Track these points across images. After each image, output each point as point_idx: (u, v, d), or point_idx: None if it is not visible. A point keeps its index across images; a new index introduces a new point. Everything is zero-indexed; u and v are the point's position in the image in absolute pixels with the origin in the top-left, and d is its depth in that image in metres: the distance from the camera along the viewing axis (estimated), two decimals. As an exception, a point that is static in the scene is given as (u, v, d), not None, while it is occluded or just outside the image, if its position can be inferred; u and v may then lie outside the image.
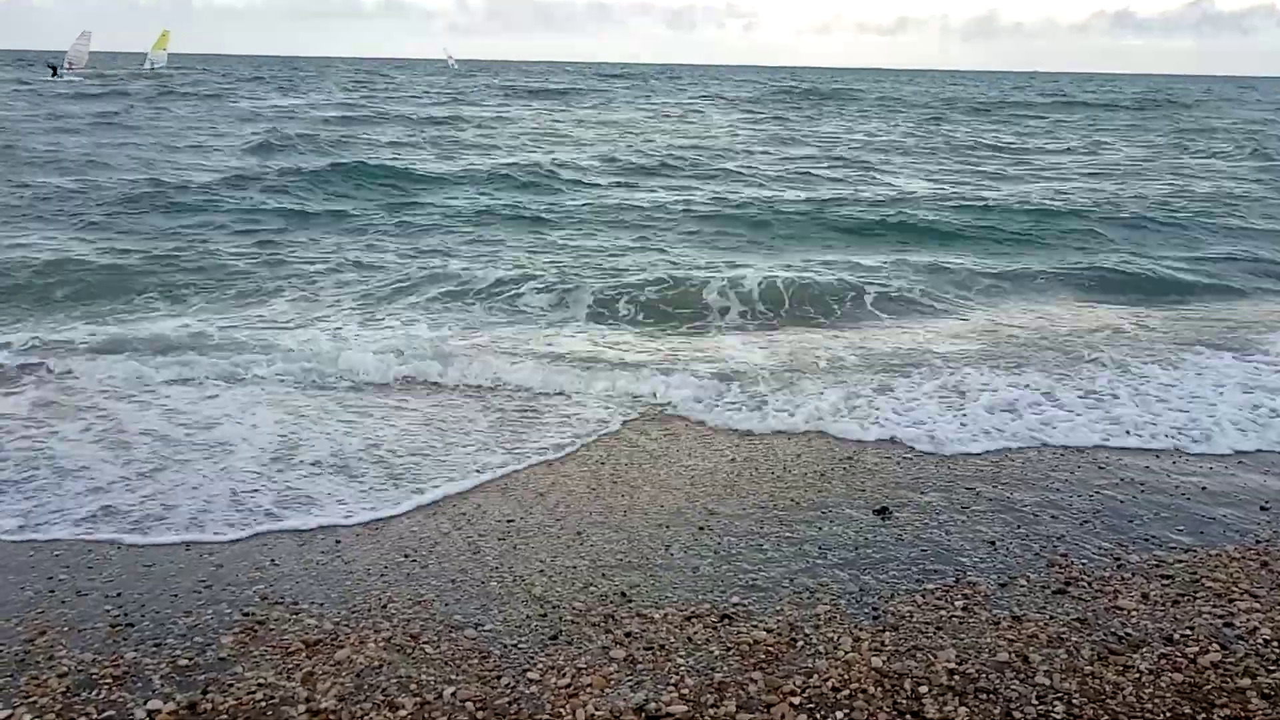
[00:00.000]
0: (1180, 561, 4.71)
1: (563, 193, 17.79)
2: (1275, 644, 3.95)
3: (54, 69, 60.23)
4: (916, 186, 19.69)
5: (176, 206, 14.85)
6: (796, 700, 3.54)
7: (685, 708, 3.50)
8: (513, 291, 10.09)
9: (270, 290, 10.04)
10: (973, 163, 24.61)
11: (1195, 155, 27.08)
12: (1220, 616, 4.17)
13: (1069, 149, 28.85)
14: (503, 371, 7.36)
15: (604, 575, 4.49)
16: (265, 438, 6.02)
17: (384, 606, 4.19)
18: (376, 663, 3.76)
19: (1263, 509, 5.36)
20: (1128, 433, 6.43)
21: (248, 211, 14.85)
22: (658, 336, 8.87)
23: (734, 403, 6.84)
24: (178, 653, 3.81)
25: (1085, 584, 4.46)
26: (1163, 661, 3.82)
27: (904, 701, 3.55)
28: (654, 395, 6.96)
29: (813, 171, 21.75)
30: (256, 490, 5.31)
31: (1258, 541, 4.95)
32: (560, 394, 7.00)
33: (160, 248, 11.98)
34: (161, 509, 5.06)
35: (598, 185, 18.91)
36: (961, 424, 6.50)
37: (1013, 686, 3.65)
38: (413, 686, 3.62)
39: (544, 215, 15.24)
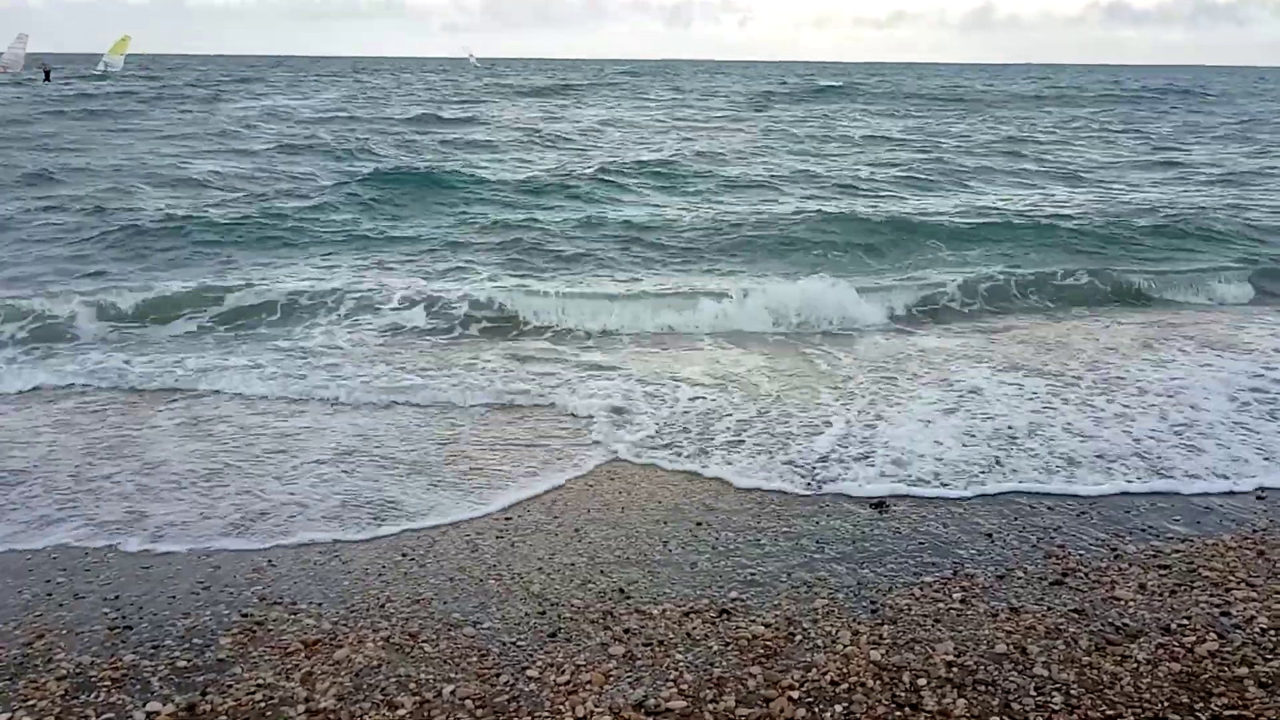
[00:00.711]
0: (1177, 551, 4.71)
1: (618, 202, 16.40)
2: (1272, 633, 3.96)
3: (47, 72, 59.24)
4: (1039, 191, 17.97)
5: (213, 226, 13.38)
6: (795, 694, 3.54)
7: (684, 703, 3.50)
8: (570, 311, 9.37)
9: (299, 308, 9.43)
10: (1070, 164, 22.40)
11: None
12: (1217, 606, 4.18)
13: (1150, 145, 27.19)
14: (521, 384, 7.30)
15: (602, 572, 4.49)
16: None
17: (382, 606, 4.19)
18: (375, 662, 3.76)
19: (1259, 498, 5.37)
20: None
21: (286, 222, 13.79)
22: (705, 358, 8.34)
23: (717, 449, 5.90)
24: (176, 654, 3.81)
25: (1082, 575, 4.47)
26: (1160, 651, 3.82)
27: (903, 694, 3.55)
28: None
29: (921, 175, 19.72)
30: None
31: (1254, 530, 4.96)
32: (549, 407, 6.83)
33: (203, 268, 11.22)
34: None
35: (649, 193, 17.24)
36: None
37: (1011, 678, 3.65)
38: (412, 685, 3.62)
39: (627, 223, 13.91)
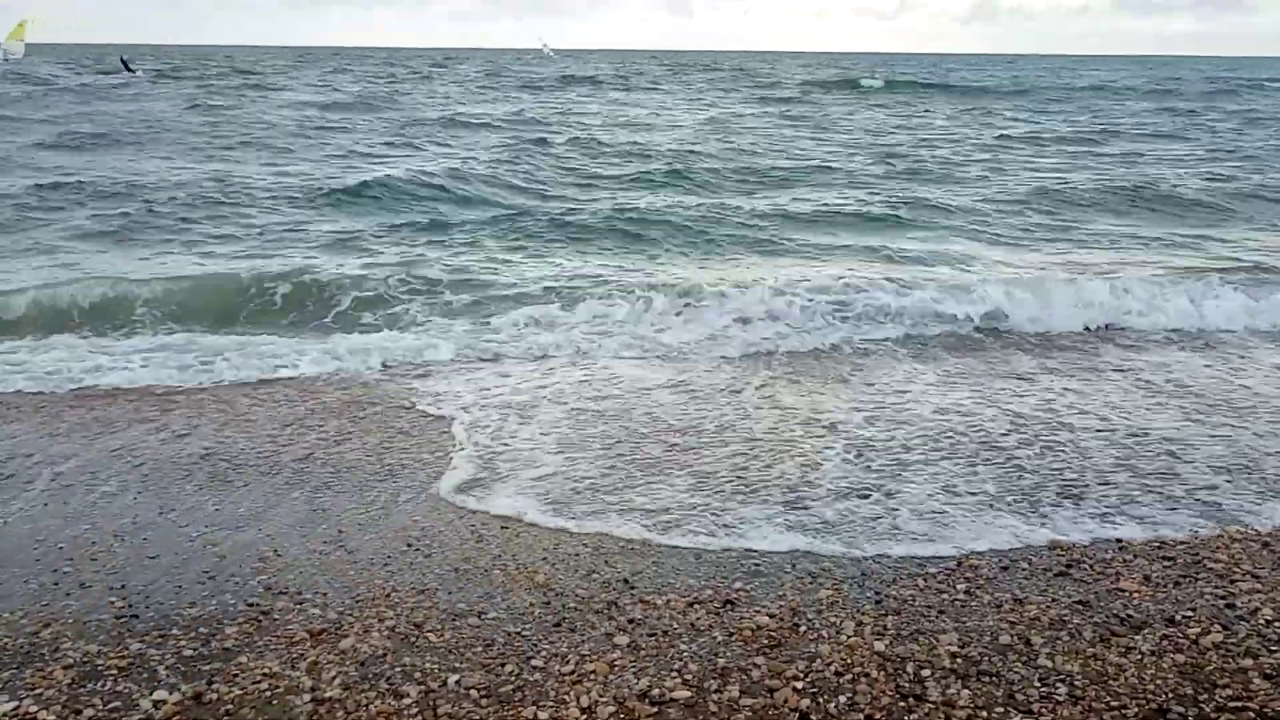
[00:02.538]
0: (1182, 543, 4.71)
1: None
2: (1277, 624, 3.96)
3: (125, 63, 53.99)
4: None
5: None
6: (800, 685, 3.55)
7: (689, 693, 3.51)
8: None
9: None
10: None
11: None
12: (1222, 597, 4.18)
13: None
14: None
15: (606, 562, 4.50)
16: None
17: (388, 595, 4.20)
18: (380, 651, 3.77)
19: (1264, 490, 5.37)
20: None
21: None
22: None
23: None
24: (183, 644, 3.82)
25: (1087, 566, 4.47)
26: (1164, 643, 3.82)
27: (907, 685, 3.56)
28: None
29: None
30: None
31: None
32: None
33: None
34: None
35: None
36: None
37: (1015, 669, 3.66)
38: (417, 675, 3.63)
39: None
